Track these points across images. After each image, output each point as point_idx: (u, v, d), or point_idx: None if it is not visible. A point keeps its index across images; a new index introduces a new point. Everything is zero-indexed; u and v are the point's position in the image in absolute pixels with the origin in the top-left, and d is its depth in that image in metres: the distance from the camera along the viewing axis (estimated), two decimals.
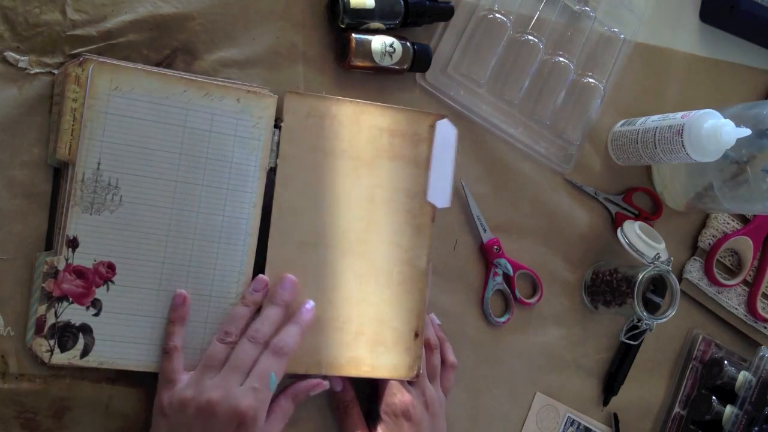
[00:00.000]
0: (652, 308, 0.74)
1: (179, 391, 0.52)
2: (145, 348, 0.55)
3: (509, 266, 0.71)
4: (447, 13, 0.66)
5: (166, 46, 0.58)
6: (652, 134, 0.69)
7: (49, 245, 0.55)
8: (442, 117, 0.62)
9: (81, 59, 0.53)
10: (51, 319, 0.53)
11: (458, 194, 0.70)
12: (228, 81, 0.58)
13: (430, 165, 0.62)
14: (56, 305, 0.53)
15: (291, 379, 0.59)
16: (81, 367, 0.54)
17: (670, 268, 0.71)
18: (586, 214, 0.76)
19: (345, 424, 0.62)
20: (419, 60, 0.65)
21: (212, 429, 0.51)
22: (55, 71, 0.54)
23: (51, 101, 0.55)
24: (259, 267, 0.58)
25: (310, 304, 0.58)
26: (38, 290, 0.53)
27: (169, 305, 0.55)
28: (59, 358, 0.53)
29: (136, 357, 0.55)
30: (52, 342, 0.53)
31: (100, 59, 0.54)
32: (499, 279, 0.71)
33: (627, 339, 0.72)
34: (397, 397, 0.61)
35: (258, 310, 0.57)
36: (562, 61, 0.72)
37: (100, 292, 0.54)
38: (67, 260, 0.53)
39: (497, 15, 0.69)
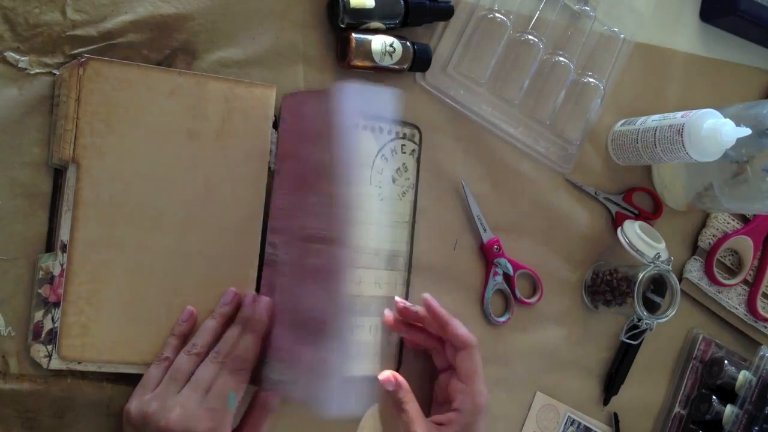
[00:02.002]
0: (652, 308, 0.74)
1: (145, 402, 0.53)
2: (145, 352, 0.55)
3: (509, 266, 0.71)
4: (447, 13, 0.67)
5: (166, 46, 0.58)
6: (652, 134, 0.69)
7: (50, 246, 0.55)
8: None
9: (81, 60, 0.53)
10: (48, 325, 0.53)
11: (458, 194, 0.70)
12: (226, 77, 0.58)
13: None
14: (53, 311, 0.53)
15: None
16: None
17: (670, 267, 0.71)
18: (586, 214, 0.76)
19: (404, 412, 0.61)
20: (419, 60, 0.65)
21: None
22: (56, 71, 0.54)
23: (51, 101, 0.55)
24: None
25: (264, 302, 0.58)
26: (36, 296, 0.53)
27: (176, 318, 0.56)
28: (57, 363, 0.53)
29: (135, 361, 0.55)
30: (49, 347, 0.53)
31: (100, 59, 0.53)
32: (500, 279, 0.71)
33: (627, 339, 0.72)
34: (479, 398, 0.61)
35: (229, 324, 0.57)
36: (562, 61, 0.72)
37: None
38: (62, 265, 0.53)
39: (497, 15, 0.69)
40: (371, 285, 0.64)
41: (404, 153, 0.66)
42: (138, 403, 0.53)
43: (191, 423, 0.51)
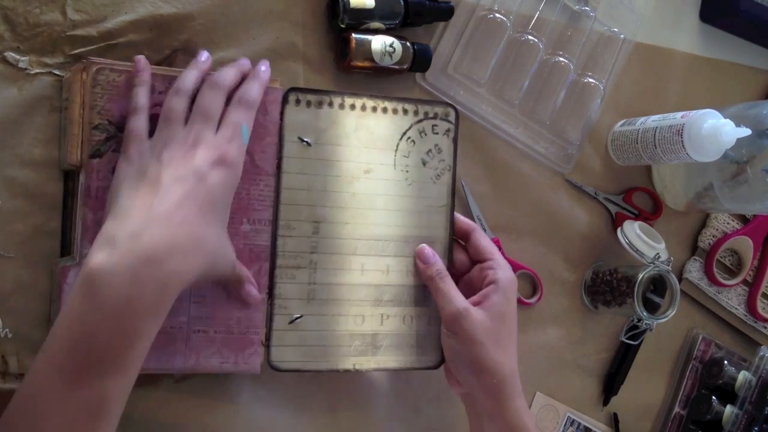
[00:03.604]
0: (652, 308, 0.74)
1: (145, 153, 0.50)
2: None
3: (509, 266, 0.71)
4: (447, 13, 0.66)
5: (167, 46, 0.58)
6: (652, 134, 0.69)
7: (63, 249, 0.54)
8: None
9: (85, 63, 0.53)
10: None
11: (458, 194, 0.70)
12: None
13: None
14: None
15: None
16: None
17: (670, 268, 0.71)
18: (586, 214, 0.76)
19: (440, 290, 0.60)
20: (419, 60, 0.65)
21: (192, 155, 0.49)
22: (56, 71, 0.54)
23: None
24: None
25: (265, 64, 0.57)
26: (57, 299, 0.52)
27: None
28: None
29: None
30: None
31: (104, 63, 0.53)
32: None
33: (627, 339, 0.72)
34: (508, 271, 0.61)
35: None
36: (562, 61, 0.72)
37: None
38: None
39: (497, 15, 0.69)
40: (402, 273, 0.62)
41: (436, 134, 0.63)
42: (138, 145, 0.50)
43: (215, 141, 0.50)
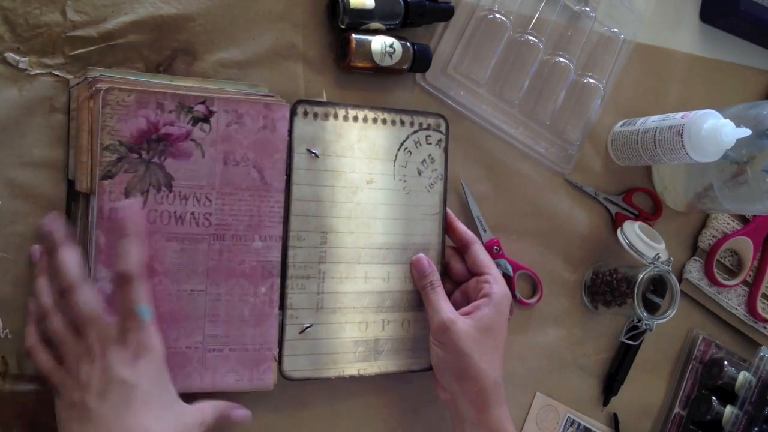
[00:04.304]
0: (652, 308, 0.74)
1: (67, 366, 0.50)
2: None
3: (509, 266, 0.71)
4: (447, 14, 0.66)
5: (166, 47, 0.58)
6: (652, 134, 0.69)
7: None
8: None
9: (92, 81, 0.52)
10: None
11: (458, 195, 0.70)
12: (247, 93, 0.58)
13: None
14: None
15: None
16: None
17: (670, 268, 0.71)
18: (586, 214, 0.76)
19: (431, 300, 0.62)
20: (419, 60, 0.65)
21: (105, 363, 0.48)
22: (56, 72, 0.54)
23: (50, 102, 0.54)
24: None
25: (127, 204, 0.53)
26: None
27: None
28: None
29: None
30: None
31: (113, 83, 0.52)
32: None
33: (627, 339, 0.72)
34: (503, 286, 0.63)
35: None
36: (562, 61, 0.72)
37: None
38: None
39: (497, 15, 0.69)
40: (400, 280, 0.64)
41: (429, 144, 0.65)
42: (59, 389, 0.50)
43: (132, 348, 0.49)
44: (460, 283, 0.66)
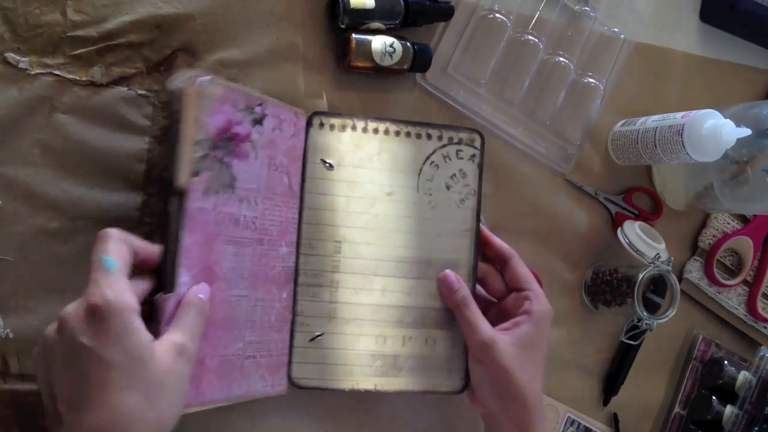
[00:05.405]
0: (652, 308, 0.74)
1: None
2: None
3: None
4: (447, 13, 0.67)
5: (167, 47, 0.58)
6: (652, 134, 0.69)
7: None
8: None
9: (194, 79, 0.50)
10: None
11: None
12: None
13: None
14: None
15: None
16: None
17: (670, 268, 0.71)
18: (586, 214, 0.76)
19: (467, 319, 0.60)
20: (419, 60, 0.65)
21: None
22: (56, 72, 0.54)
23: (51, 102, 0.54)
24: None
25: None
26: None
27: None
28: None
29: None
30: None
31: (212, 82, 0.51)
32: None
33: (627, 339, 0.72)
34: (546, 303, 0.62)
35: None
36: (562, 61, 0.72)
37: None
38: None
39: (497, 15, 0.69)
40: (424, 296, 0.62)
41: (461, 158, 0.64)
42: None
43: (88, 304, 0.42)
44: (499, 299, 0.64)
